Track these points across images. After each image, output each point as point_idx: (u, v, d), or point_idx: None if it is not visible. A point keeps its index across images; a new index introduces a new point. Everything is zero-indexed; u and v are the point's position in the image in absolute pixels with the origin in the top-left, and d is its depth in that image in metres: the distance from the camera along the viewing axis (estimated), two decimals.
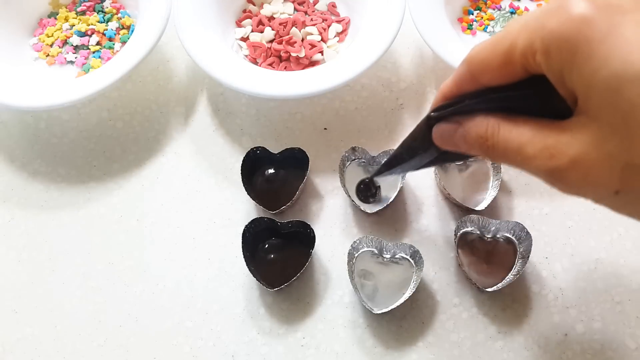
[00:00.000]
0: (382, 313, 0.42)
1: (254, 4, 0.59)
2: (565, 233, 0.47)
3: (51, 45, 0.57)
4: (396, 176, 0.41)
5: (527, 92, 0.26)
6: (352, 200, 0.46)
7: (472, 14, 0.57)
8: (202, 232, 0.49)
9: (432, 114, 0.29)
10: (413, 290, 0.42)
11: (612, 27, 0.22)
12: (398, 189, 0.47)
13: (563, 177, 0.24)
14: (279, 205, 0.47)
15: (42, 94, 0.50)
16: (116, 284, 0.47)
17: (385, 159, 0.41)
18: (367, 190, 0.43)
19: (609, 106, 0.22)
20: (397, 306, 0.42)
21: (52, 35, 0.57)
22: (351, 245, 0.44)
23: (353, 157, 0.49)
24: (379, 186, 0.45)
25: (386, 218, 0.48)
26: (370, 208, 0.46)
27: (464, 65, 0.27)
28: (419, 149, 0.31)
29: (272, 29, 0.56)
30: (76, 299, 0.47)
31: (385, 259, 0.45)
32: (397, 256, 0.45)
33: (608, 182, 0.23)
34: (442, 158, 0.31)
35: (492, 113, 0.26)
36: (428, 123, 0.29)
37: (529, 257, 0.43)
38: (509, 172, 0.50)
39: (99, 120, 0.55)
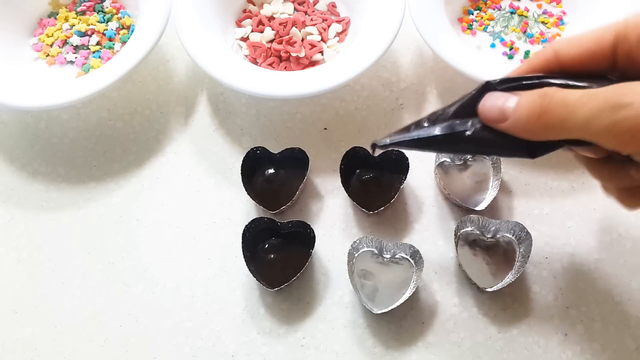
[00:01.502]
0: (382, 313, 0.42)
1: (254, 4, 0.59)
2: (565, 233, 0.47)
3: (51, 45, 0.57)
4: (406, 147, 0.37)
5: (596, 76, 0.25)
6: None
7: (472, 14, 0.57)
8: (202, 232, 0.49)
9: (490, 80, 0.28)
10: (413, 290, 0.42)
11: None
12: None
13: (617, 118, 0.23)
14: (279, 205, 0.47)
15: (42, 94, 0.50)
16: (116, 284, 0.47)
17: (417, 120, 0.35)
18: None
19: None
20: (397, 306, 0.42)
21: (52, 35, 0.57)
22: (351, 245, 0.44)
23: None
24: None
25: (386, 218, 0.48)
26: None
27: (547, 46, 0.27)
28: (457, 115, 0.29)
29: (272, 29, 0.56)
30: (76, 299, 0.47)
31: (385, 259, 0.45)
32: (397, 256, 0.45)
33: None
34: (467, 137, 0.29)
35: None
36: (483, 88, 0.28)
37: (529, 257, 0.43)
38: (509, 172, 0.50)
39: (99, 120, 0.55)
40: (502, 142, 0.28)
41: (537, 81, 0.27)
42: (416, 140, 0.31)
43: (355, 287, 0.43)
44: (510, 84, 0.27)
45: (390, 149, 0.38)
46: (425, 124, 0.31)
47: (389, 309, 0.42)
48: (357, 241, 0.45)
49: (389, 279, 0.44)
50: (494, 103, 0.28)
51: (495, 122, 0.28)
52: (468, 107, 0.28)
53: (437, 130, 0.30)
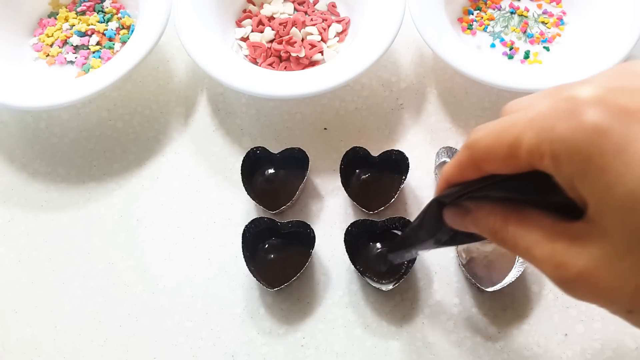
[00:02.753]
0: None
1: (254, 4, 0.59)
2: None
3: (51, 45, 0.57)
4: (413, 254, 0.40)
5: (532, 185, 0.24)
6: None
7: (472, 14, 0.57)
8: (202, 232, 0.49)
9: (439, 198, 0.29)
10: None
11: (628, 139, 0.20)
12: None
13: (571, 288, 0.23)
14: (279, 205, 0.47)
15: (42, 94, 0.50)
16: (116, 284, 0.47)
17: (400, 236, 0.40)
18: (381, 261, 0.45)
19: (623, 225, 0.20)
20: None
21: (52, 35, 0.57)
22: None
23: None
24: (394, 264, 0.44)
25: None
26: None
27: (466, 150, 0.26)
28: (434, 229, 0.31)
29: (272, 29, 0.56)
30: (76, 299, 0.47)
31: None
32: None
33: (619, 301, 0.22)
34: (459, 237, 0.30)
35: (498, 203, 0.25)
36: (437, 205, 0.29)
37: None
38: None
39: (99, 120, 0.55)
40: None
41: (477, 194, 0.27)
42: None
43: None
44: (457, 199, 0.28)
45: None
46: (415, 243, 0.34)
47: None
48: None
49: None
50: (456, 224, 0.29)
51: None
52: (435, 220, 0.30)
53: (426, 247, 0.33)
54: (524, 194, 0.25)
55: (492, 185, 0.26)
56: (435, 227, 0.31)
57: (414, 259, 0.43)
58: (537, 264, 0.24)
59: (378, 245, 0.46)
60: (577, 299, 0.23)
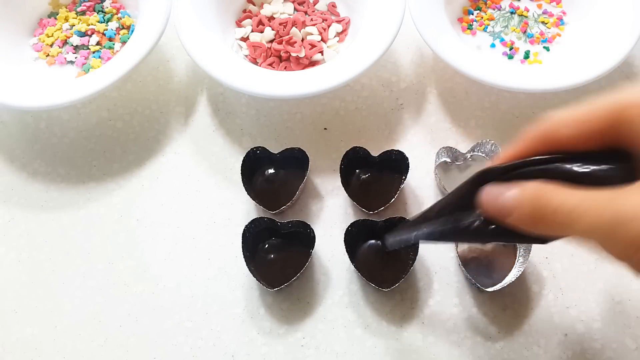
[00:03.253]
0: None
1: (254, 4, 0.59)
2: None
3: (51, 45, 0.57)
4: (410, 240, 0.36)
5: (598, 167, 0.24)
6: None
7: (472, 14, 0.57)
8: (202, 232, 0.49)
9: (486, 169, 0.27)
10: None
11: None
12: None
13: (618, 233, 0.23)
14: (279, 205, 0.47)
15: (42, 94, 0.50)
16: (116, 284, 0.47)
17: (413, 218, 0.37)
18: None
19: None
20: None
21: (52, 35, 0.57)
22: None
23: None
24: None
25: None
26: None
27: (537, 125, 0.26)
28: (458, 207, 0.29)
29: (272, 29, 0.56)
30: (76, 299, 0.47)
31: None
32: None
33: None
34: (474, 231, 0.28)
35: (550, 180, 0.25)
36: (478, 180, 0.27)
37: (529, 257, 0.43)
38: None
39: (99, 120, 0.55)
40: (508, 232, 0.27)
41: (534, 168, 0.26)
42: (423, 237, 0.32)
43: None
44: (506, 175, 0.26)
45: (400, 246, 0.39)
46: (431, 219, 0.31)
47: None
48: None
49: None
50: (491, 201, 0.27)
51: (497, 219, 0.27)
52: (468, 197, 0.28)
53: (441, 226, 0.30)
54: (581, 174, 0.24)
55: (551, 165, 0.25)
56: (462, 205, 0.28)
57: (415, 254, 0.43)
58: (579, 220, 0.23)
59: (381, 244, 0.46)
60: (617, 252, 0.23)
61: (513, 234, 0.27)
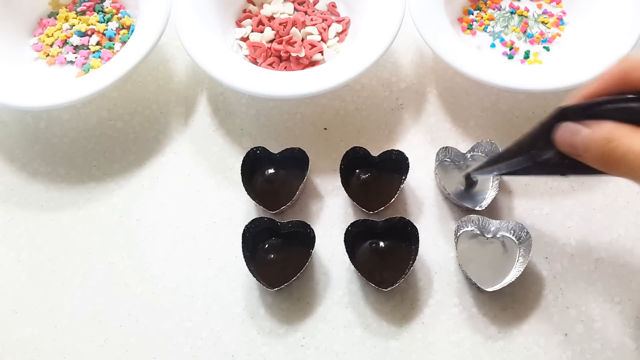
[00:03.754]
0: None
1: (254, 4, 0.59)
2: (565, 233, 0.47)
3: (51, 45, 0.57)
4: (492, 174, 0.42)
5: None
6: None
7: (472, 14, 0.57)
8: (202, 232, 0.49)
9: (564, 106, 0.29)
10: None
11: None
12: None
13: None
14: (279, 205, 0.47)
15: (42, 94, 0.50)
16: (116, 284, 0.47)
17: (494, 154, 0.41)
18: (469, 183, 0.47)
19: None
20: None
21: (52, 35, 0.57)
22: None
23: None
24: (476, 180, 0.47)
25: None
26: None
27: (617, 64, 0.27)
28: (534, 146, 0.31)
29: (272, 29, 0.56)
30: (76, 299, 0.47)
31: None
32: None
33: None
34: (551, 165, 0.31)
35: (623, 123, 0.26)
36: (555, 117, 0.29)
37: (529, 257, 0.43)
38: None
39: (99, 120, 0.55)
40: (583, 166, 0.29)
41: (610, 106, 0.27)
42: (503, 171, 0.37)
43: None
44: (583, 113, 0.28)
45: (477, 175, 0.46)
46: (508, 156, 0.34)
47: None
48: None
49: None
50: (565, 139, 0.29)
51: (570, 154, 0.29)
52: (545, 133, 0.30)
53: (519, 162, 0.33)
54: None
55: (627, 105, 0.26)
56: (538, 143, 0.30)
57: (415, 254, 0.43)
58: None
59: (381, 244, 0.46)
60: None
61: (588, 168, 0.29)
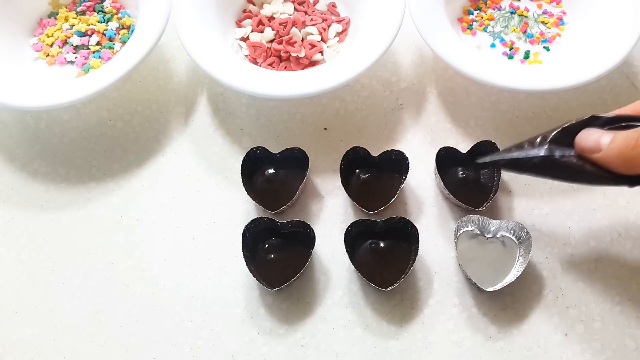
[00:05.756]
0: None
1: (254, 4, 0.59)
2: (565, 233, 0.47)
3: (51, 45, 0.57)
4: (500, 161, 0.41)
5: None
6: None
7: (472, 14, 0.57)
8: (202, 232, 0.49)
9: (595, 115, 0.31)
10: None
11: None
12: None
13: None
14: (279, 205, 0.47)
15: (42, 94, 0.50)
16: (116, 284, 0.47)
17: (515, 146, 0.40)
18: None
19: None
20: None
21: (52, 35, 0.57)
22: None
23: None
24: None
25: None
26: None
27: None
28: (556, 141, 0.32)
29: (272, 29, 0.56)
30: (76, 299, 0.47)
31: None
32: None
33: None
34: (558, 164, 0.32)
35: None
36: (585, 121, 0.31)
37: (529, 257, 0.43)
38: (509, 172, 0.50)
39: (99, 120, 0.55)
40: (593, 172, 0.31)
41: (637, 123, 0.29)
42: (512, 161, 0.37)
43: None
44: (611, 123, 0.30)
45: (489, 166, 0.46)
46: (526, 146, 0.35)
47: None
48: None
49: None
50: (592, 134, 0.31)
51: (588, 152, 0.31)
52: (569, 135, 0.32)
53: (534, 153, 0.34)
54: None
55: None
56: (559, 139, 0.31)
57: (415, 254, 0.43)
58: None
59: (381, 244, 0.46)
60: None
61: (600, 174, 0.30)
